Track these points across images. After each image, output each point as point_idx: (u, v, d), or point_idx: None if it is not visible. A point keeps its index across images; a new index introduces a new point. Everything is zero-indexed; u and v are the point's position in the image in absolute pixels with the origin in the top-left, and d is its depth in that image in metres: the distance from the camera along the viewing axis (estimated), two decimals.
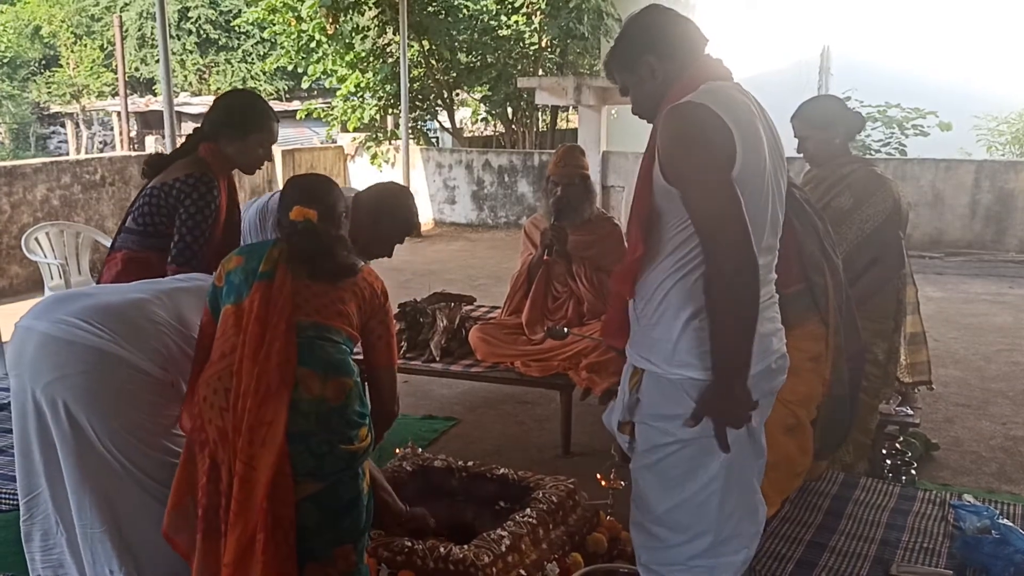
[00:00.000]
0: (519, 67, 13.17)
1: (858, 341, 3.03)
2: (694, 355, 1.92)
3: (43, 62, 23.92)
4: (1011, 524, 2.95)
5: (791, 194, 2.81)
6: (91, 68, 22.77)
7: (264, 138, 2.87)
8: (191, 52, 22.51)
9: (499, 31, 13.47)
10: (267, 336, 2.03)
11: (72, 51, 22.73)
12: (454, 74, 13.46)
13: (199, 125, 2.98)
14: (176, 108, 9.26)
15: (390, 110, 13.07)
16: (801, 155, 3.46)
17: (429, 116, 14.07)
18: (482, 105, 14.01)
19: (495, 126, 15.09)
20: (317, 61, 13.00)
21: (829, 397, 2.91)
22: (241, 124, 2.85)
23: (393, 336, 2.35)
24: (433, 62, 13.21)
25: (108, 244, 3.10)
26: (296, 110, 14.95)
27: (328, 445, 2.05)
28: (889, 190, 3.31)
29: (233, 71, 22.75)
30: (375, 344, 2.31)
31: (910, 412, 3.72)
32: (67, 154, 20.85)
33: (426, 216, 12.22)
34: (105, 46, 22.93)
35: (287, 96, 22.34)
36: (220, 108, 2.94)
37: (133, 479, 2.28)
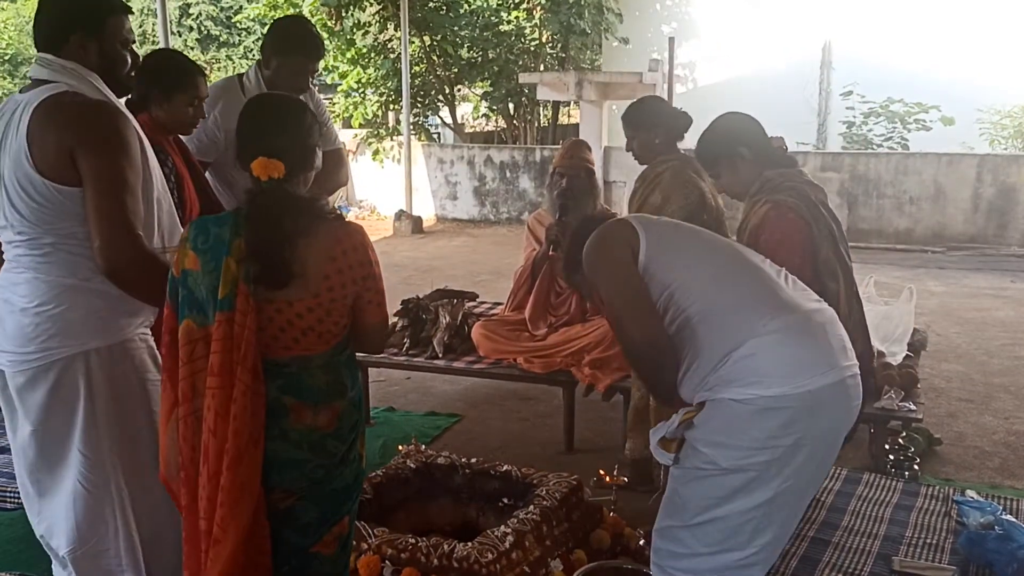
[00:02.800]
0: (520, 62, 13.16)
1: (866, 346, 3.04)
2: (761, 375, 1.93)
3: None
4: (1015, 520, 2.95)
5: (807, 198, 2.80)
6: None
7: (191, 96, 2.78)
8: (192, 48, 22.47)
9: (500, 26, 13.46)
10: (233, 392, 1.85)
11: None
12: (455, 70, 13.45)
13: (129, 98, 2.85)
14: None
15: (392, 106, 13.07)
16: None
17: (431, 112, 14.06)
18: (483, 101, 14.00)
19: (496, 121, 15.09)
20: None
21: None
22: (164, 85, 2.75)
23: (382, 294, 2.01)
24: (434, 58, 13.20)
25: None
26: None
27: (323, 470, 1.97)
28: (694, 184, 3.33)
29: (234, 67, 22.73)
30: (364, 308, 1.99)
31: (913, 407, 3.72)
32: None
33: (428, 212, 12.23)
34: None
35: None
36: (140, 74, 2.80)
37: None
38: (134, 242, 2.08)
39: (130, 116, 2.21)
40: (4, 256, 2.24)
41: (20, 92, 2.19)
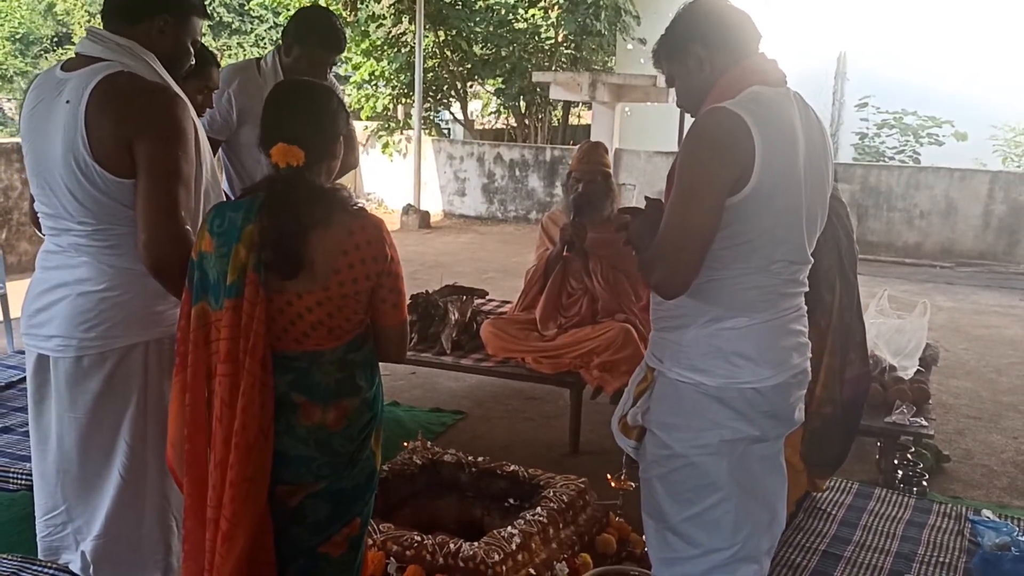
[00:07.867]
0: (534, 61, 13.12)
1: (864, 366, 3.01)
2: (705, 361, 1.89)
3: (56, 39, 23.86)
4: None
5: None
6: None
7: (201, 84, 2.75)
8: (204, 34, 22.37)
9: (515, 24, 13.43)
10: (241, 384, 1.80)
11: (85, 29, 22.65)
12: (468, 65, 13.42)
13: None
14: None
15: (403, 99, 13.04)
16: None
17: (442, 107, 14.02)
18: (495, 98, 13.96)
19: (507, 119, 15.05)
20: None
21: (817, 414, 2.85)
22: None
23: (400, 294, 1.95)
24: (448, 53, 13.17)
25: None
26: None
27: (330, 468, 1.92)
28: None
29: (245, 54, 22.71)
30: (379, 307, 1.93)
31: (924, 423, 3.68)
32: None
33: (436, 207, 12.20)
34: None
35: None
36: None
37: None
38: (182, 239, 2.00)
39: (187, 101, 2.14)
40: (51, 241, 2.18)
41: (63, 69, 2.10)
